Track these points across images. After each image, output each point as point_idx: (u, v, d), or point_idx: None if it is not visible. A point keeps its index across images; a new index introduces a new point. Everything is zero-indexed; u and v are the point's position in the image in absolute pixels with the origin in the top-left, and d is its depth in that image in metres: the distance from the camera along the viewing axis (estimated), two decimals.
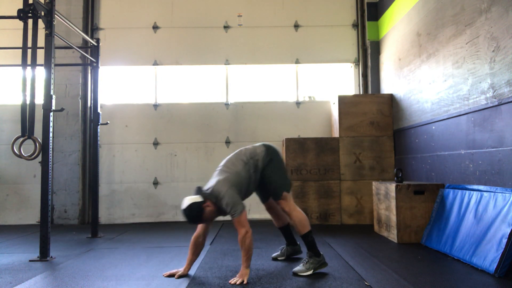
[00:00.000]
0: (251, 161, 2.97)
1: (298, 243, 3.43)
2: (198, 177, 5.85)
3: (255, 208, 5.84)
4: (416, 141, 4.67)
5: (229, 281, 2.69)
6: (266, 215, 5.85)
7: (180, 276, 2.84)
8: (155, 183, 5.85)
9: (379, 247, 3.75)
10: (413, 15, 4.66)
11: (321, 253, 2.96)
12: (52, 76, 3.61)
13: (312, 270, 2.86)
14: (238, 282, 2.65)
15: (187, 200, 2.72)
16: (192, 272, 2.97)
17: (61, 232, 4.94)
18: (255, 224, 5.35)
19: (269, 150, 3.05)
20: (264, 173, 3.00)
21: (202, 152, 5.91)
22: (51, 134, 3.59)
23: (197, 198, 2.73)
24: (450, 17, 3.85)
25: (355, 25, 6.09)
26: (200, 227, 2.96)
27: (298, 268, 2.90)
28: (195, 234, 2.98)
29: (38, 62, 3.65)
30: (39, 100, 3.63)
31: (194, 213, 2.70)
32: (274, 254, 3.41)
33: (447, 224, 3.52)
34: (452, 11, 3.80)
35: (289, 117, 5.96)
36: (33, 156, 3.60)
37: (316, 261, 2.89)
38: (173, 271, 2.92)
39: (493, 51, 3.20)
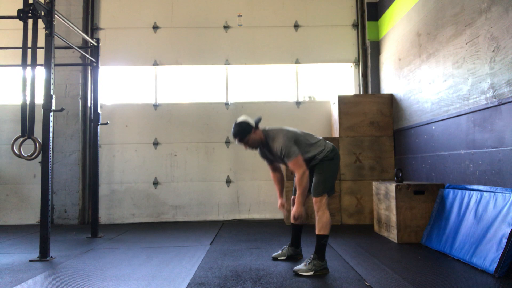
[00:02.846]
0: (313, 145, 3.09)
1: (301, 247, 3.43)
2: (198, 177, 5.85)
3: (255, 208, 5.86)
4: (416, 141, 4.67)
5: (292, 214, 3.02)
6: (266, 215, 5.90)
7: (283, 205, 3.28)
8: (155, 183, 5.85)
9: (379, 247, 3.75)
10: (413, 15, 4.66)
11: (326, 259, 2.96)
12: (52, 76, 3.61)
13: (313, 272, 2.86)
14: (296, 214, 2.98)
15: (243, 117, 3.01)
16: (192, 272, 2.97)
17: (61, 232, 4.94)
18: (255, 224, 5.35)
19: (335, 151, 3.15)
20: (319, 166, 3.07)
21: (202, 152, 5.91)
22: (51, 134, 3.59)
23: (252, 122, 2.98)
24: (450, 17, 3.85)
25: (355, 25, 6.09)
26: (270, 167, 3.33)
27: (300, 267, 2.90)
28: (271, 172, 3.37)
29: (38, 62, 3.65)
30: (39, 100, 3.63)
31: (241, 129, 2.94)
32: (274, 254, 3.40)
33: (447, 224, 3.52)
34: (452, 11, 3.80)
35: (289, 117, 5.96)
36: (33, 156, 3.60)
37: (319, 265, 2.89)
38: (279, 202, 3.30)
39: (493, 51, 3.20)
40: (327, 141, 3.20)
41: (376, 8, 5.88)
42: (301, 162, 2.93)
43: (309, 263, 2.89)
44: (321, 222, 2.96)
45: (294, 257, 3.36)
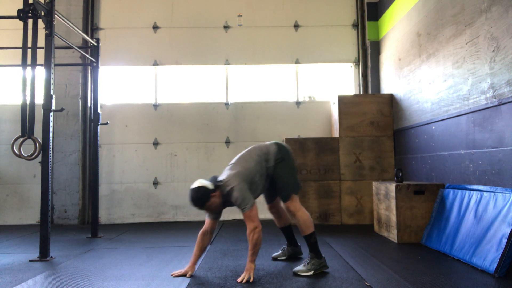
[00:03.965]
0: (263, 158, 2.98)
1: (299, 244, 3.43)
2: (198, 177, 5.80)
3: None
4: (416, 141, 4.67)
5: (237, 280, 2.69)
6: (266, 215, 5.88)
7: (192, 275, 2.86)
8: (155, 183, 5.85)
9: (379, 247, 3.75)
10: (413, 15, 4.65)
11: (323, 255, 2.96)
12: (52, 76, 3.61)
13: (312, 271, 2.86)
14: (245, 280, 2.66)
15: (198, 183, 2.78)
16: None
17: (61, 232, 4.94)
18: None
19: (281, 149, 3.06)
20: (275, 172, 3.00)
21: (202, 152, 5.91)
22: (51, 134, 3.59)
23: (208, 185, 2.77)
24: (450, 17, 3.85)
25: (355, 25, 6.09)
26: (207, 223, 2.98)
27: (299, 268, 2.90)
28: (202, 230, 3.01)
29: (38, 62, 3.65)
30: (39, 100, 3.63)
31: (199, 196, 2.72)
32: (274, 254, 3.40)
33: (447, 224, 3.52)
34: (452, 11, 3.80)
35: (289, 117, 5.96)
36: (33, 156, 3.60)
37: (318, 263, 2.89)
38: (182, 271, 2.89)
39: (493, 51, 3.20)
40: (273, 143, 3.10)
41: (376, 8, 5.88)
42: (254, 215, 2.75)
43: (308, 263, 2.89)
44: (303, 222, 2.93)
45: (294, 256, 3.37)
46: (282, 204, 3.18)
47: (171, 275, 2.89)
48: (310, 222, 2.95)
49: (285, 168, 3.01)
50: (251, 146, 3.12)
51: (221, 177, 2.90)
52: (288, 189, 2.98)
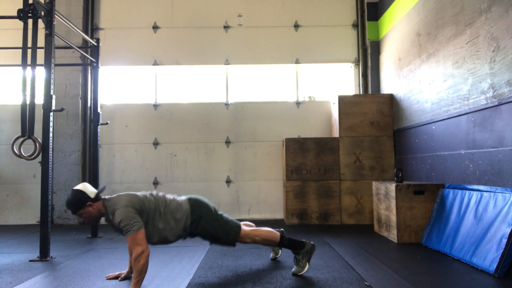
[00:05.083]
0: (169, 215, 2.66)
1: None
2: (198, 177, 5.85)
3: (255, 208, 5.85)
4: (416, 141, 4.67)
5: None
6: (266, 215, 5.91)
7: (124, 278, 2.77)
8: (155, 183, 5.85)
9: (379, 247, 3.75)
10: (413, 15, 4.65)
11: (303, 240, 2.95)
12: (52, 76, 3.61)
13: (307, 264, 2.87)
14: None
15: (81, 186, 2.54)
16: (192, 272, 2.97)
17: (61, 232, 4.94)
18: (255, 224, 5.34)
19: (195, 207, 2.74)
20: (199, 231, 2.74)
21: (202, 152, 5.91)
22: (51, 134, 3.59)
23: (91, 193, 2.53)
24: (450, 17, 3.85)
25: (355, 25, 6.09)
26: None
27: (295, 269, 2.90)
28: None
29: (38, 62, 3.65)
30: (39, 100, 3.63)
31: (73, 201, 2.49)
32: (271, 255, 3.42)
33: (447, 224, 3.52)
34: (452, 11, 3.80)
35: (289, 117, 5.96)
36: (33, 156, 3.60)
37: (305, 253, 2.89)
38: (116, 273, 2.84)
39: (493, 51, 3.20)
40: (187, 200, 2.77)
41: (376, 8, 5.88)
42: (141, 238, 2.42)
43: (298, 261, 2.89)
44: (264, 241, 2.88)
45: (278, 251, 3.39)
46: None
47: (106, 277, 2.82)
48: (269, 235, 2.88)
49: (208, 224, 2.74)
50: (166, 196, 2.77)
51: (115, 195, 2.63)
52: (228, 239, 2.79)
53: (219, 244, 2.83)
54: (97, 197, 2.56)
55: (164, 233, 2.66)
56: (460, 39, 3.66)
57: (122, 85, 6.11)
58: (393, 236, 3.99)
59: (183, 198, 2.81)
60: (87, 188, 2.55)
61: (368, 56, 5.88)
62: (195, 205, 2.75)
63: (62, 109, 3.64)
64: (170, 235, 2.68)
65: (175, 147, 5.91)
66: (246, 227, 2.96)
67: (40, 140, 3.57)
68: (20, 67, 3.68)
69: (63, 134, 5.70)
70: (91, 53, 4.82)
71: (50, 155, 3.58)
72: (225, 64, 6.03)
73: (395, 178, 4.16)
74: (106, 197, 2.62)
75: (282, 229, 3.46)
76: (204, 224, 2.73)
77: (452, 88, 3.82)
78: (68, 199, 2.52)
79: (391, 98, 5.35)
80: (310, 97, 6.09)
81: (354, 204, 5.20)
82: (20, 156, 3.63)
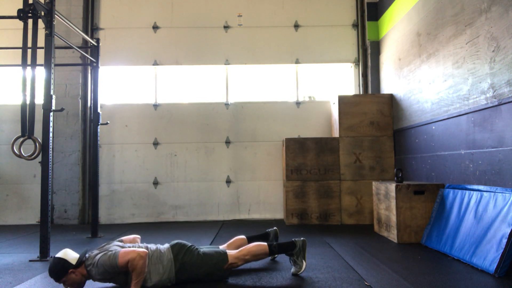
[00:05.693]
0: (151, 267, 2.63)
1: (267, 234, 3.44)
2: (198, 177, 5.85)
3: (255, 208, 5.86)
4: (416, 141, 4.67)
5: None
6: (266, 215, 5.91)
7: None
8: (155, 183, 5.85)
9: (379, 247, 3.75)
10: (413, 15, 4.66)
11: (292, 240, 2.94)
12: (52, 76, 3.61)
13: (303, 261, 2.88)
14: None
15: (62, 253, 2.49)
16: None
17: (61, 232, 4.93)
18: (255, 224, 5.35)
19: (178, 256, 2.69)
20: (187, 276, 2.69)
21: (202, 152, 5.91)
22: (51, 134, 3.59)
23: (72, 259, 2.47)
24: (450, 17, 3.85)
25: (355, 25, 6.09)
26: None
27: (294, 269, 2.91)
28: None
29: (38, 62, 3.65)
30: (39, 100, 3.63)
31: (55, 270, 2.43)
32: (270, 256, 3.42)
33: (447, 224, 3.52)
34: (452, 11, 3.80)
35: (289, 117, 5.96)
36: (33, 156, 3.60)
37: (298, 252, 2.89)
38: None
39: (493, 51, 3.20)
40: (169, 248, 2.72)
41: (376, 8, 5.88)
42: (128, 249, 2.47)
43: (294, 262, 2.90)
44: (254, 256, 2.83)
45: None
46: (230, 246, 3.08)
47: None
48: (258, 248, 2.84)
49: (195, 264, 2.69)
50: (153, 247, 2.72)
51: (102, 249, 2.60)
52: (220, 270, 2.74)
53: (213, 278, 2.75)
54: (79, 263, 2.49)
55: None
56: (460, 39, 3.66)
57: (122, 85, 6.11)
58: (393, 236, 3.99)
59: (165, 246, 2.75)
60: (68, 255, 2.49)
61: (368, 56, 5.88)
62: (178, 255, 2.69)
63: (62, 109, 3.64)
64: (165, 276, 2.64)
65: (175, 147, 5.91)
66: (231, 250, 2.91)
67: (40, 140, 3.57)
68: (20, 67, 3.69)
69: (63, 134, 5.70)
70: (91, 53, 4.82)
71: (50, 155, 3.58)
72: (225, 64, 6.03)
73: (395, 178, 4.16)
74: (87, 255, 2.56)
75: (275, 227, 3.49)
76: (193, 265, 2.68)
77: (452, 88, 3.82)
78: (50, 267, 2.45)
79: (391, 98, 5.35)
80: (310, 97, 6.09)
81: (354, 204, 5.20)
82: (20, 156, 3.63)
